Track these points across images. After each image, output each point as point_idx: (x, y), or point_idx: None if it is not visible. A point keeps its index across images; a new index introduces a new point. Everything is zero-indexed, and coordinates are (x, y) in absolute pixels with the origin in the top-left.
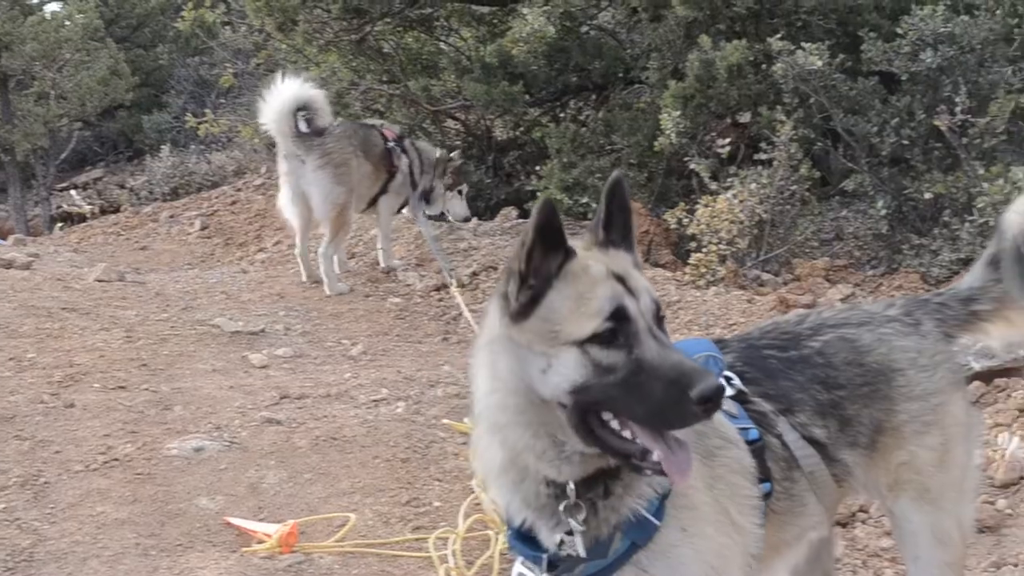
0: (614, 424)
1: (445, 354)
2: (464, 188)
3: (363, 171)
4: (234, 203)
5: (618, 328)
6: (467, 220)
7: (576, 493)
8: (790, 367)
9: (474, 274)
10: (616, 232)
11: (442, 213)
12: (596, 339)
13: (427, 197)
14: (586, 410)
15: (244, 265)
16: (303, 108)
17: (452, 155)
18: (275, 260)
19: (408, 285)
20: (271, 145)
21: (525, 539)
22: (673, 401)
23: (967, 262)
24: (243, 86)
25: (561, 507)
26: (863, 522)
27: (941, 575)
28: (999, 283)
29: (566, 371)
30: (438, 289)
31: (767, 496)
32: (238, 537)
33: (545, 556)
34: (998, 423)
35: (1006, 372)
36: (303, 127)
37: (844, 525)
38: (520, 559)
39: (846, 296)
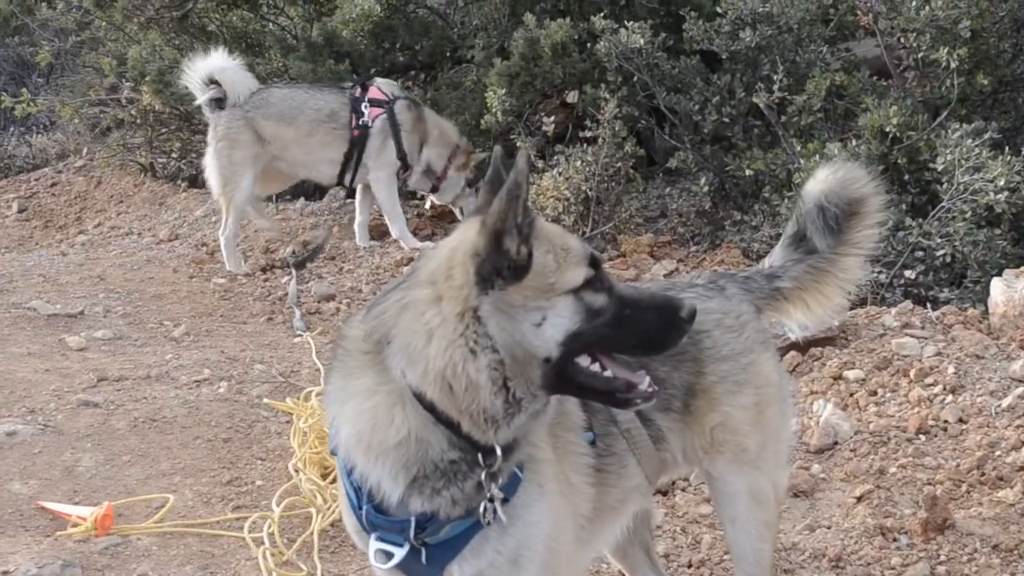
0: (594, 367)
1: (270, 334)
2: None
3: (288, 138)
4: (54, 185)
5: (597, 273)
6: None
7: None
8: None
9: (292, 252)
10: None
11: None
12: (588, 285)
13: (436, 184)
14: (568, 359)
15: (64, 248)
16: (212, 82)
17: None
18: (96, 242)
19: None
20: (94, 126)
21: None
22: (667, 324)
23: None
24: (64, 66)
25: (482, 475)
26: (683, 490)
27: (759, 535)
28: (799, 263)
29: (561, 320)
30: (264, 270)
31: (592, 445)
32: (52, 521)
33: (413, 521)
34: (813, 391)
35: (821, 342)
36: (213, 95)
37: (664, 493)
38: (375, 535)
39: (670, 272)
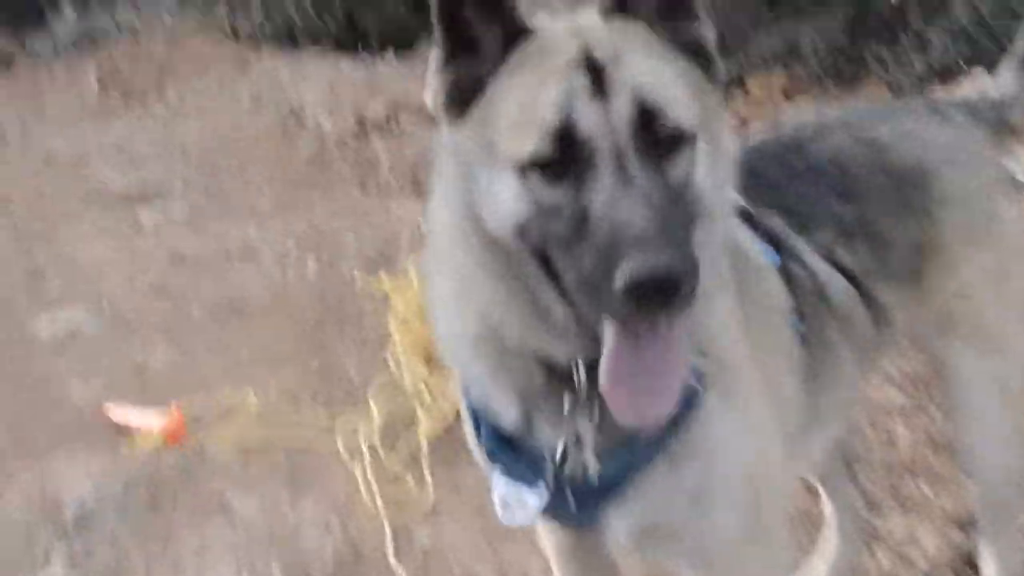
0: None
1: (363, 204)
2: None
3: None
4: (134, 54)
5: (566, 154)
6: None
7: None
8: (795, 178)
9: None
10: None
11: None
12: (537, 165)
13: None
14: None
15: (142, 119)
16: None
17: None
18: (176, 112)
19: (321, 129)
20: None
21: (506, 443)
22: (599, 277)
23: (940, 71)
24: None
25: (566, 406)
26: None
27: (1006, 441)
28: None
29: (505, 201)
30: (355, 135)
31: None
32: (116, 432)
33: (550, 461)
34: None
35: None
36: None
37: None
38: (498, 468)
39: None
